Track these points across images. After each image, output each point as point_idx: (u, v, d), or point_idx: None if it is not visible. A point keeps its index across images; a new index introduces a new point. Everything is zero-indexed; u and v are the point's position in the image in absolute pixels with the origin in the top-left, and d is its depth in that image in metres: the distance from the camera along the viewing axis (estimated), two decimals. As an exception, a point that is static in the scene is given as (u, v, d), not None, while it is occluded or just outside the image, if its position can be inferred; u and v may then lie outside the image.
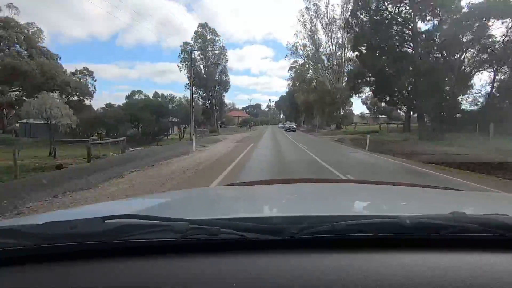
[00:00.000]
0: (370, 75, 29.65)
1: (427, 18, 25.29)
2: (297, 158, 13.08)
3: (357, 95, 40.54)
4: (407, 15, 26.09)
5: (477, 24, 21.61)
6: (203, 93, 51.60)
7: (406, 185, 1.80)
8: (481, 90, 24.96)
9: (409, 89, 27.10)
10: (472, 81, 25.01)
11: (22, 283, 0.62)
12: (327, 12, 45.41)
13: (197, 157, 12.60)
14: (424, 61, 24.22)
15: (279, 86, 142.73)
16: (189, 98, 29.07)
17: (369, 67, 27.65)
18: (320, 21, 46.27)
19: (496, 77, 23.69)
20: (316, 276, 0.60)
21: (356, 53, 30.02)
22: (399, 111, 38.05)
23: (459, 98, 24.70)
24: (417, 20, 25.82)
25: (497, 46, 22.19)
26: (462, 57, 23.89)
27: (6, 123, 28.36)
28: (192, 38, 49.29)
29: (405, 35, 27.02)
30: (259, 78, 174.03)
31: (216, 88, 53.16)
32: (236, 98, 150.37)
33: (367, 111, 66.60)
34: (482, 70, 24.34)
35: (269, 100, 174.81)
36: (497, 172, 9.01)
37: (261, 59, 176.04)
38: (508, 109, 20.80)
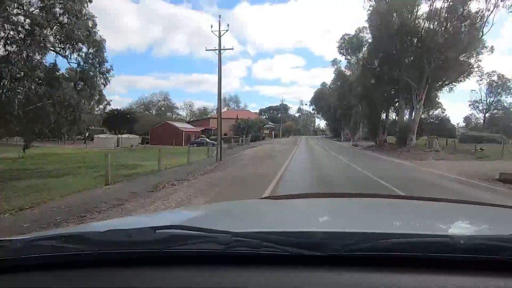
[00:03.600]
0: None
1: None
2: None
3: None
4: None
5: None
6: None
7: (455, 202, 1.63)
8: None
9: None
10: None
11: (85, 286, 0.68)
12: None
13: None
14: None
15: (311, 95, 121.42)
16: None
17: None
18: None
19: None
20: None
21: None
22: None
23: None
24: None
25: None
26: None
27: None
28: None
29: None
30: (289, 88, 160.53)
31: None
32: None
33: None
34: None
35: (300, 102, 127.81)
36: None
37: (291, 68, 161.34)
38: None
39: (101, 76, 14.21)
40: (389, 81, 26.49)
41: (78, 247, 0.72)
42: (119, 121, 51.95)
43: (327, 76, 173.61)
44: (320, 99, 68.16)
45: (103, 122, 53.13)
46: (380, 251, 0.66)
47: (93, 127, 45.16)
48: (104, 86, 14.92)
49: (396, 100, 29.80)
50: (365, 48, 30.39)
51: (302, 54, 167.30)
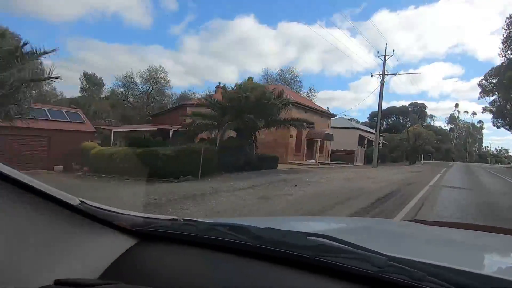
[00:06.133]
0: None
1: None
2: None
3: None
4: None
5: None
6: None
7: None
8: None
9: None
10: None
11: (242, 272, 0.76)
12: None
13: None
14: None
15: (469, 109, 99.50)
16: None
17: None
18: None
19: None
20: None
21: None
22: None
23: None
24: None
25: None
26: None
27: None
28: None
29: None
30: (439, 103, 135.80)
31: None
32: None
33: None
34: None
35: (455, 105, 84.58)
36: None
37: (443, 79, 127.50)
38: None
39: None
40: None
41: (242, 238, 0.79)
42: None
43: None
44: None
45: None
46: None
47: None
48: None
49: None
50: None
51: (459, 61, 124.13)
